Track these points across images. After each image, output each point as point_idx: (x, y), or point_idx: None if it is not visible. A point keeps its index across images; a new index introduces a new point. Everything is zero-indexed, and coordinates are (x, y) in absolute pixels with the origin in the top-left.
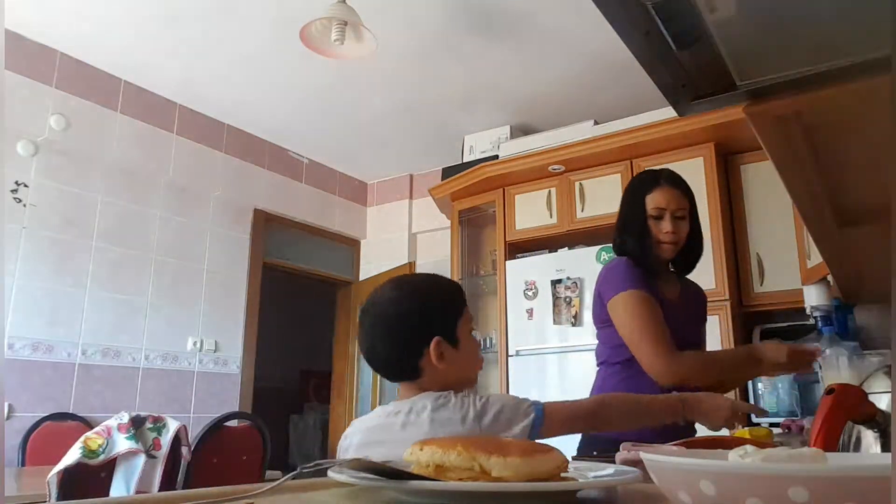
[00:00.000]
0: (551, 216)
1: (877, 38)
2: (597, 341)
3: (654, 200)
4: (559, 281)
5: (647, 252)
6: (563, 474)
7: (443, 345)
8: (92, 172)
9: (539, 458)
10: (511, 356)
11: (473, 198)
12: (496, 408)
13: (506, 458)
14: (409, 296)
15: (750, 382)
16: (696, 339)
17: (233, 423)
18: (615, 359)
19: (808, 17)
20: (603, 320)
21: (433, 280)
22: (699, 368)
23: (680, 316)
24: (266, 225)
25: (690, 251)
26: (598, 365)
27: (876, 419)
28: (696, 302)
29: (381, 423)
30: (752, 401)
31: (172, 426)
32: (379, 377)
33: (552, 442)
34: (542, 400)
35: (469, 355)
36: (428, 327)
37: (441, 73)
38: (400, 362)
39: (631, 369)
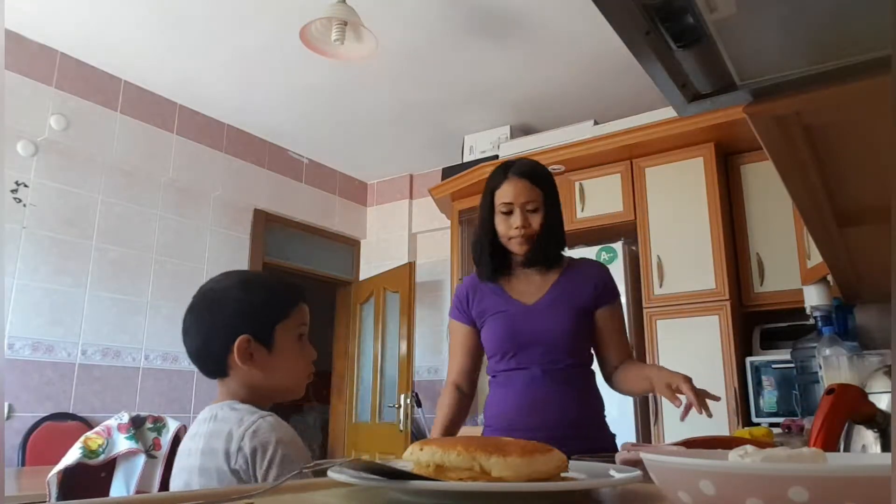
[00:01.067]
0: None
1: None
2: None
3: (502, 195)
4: None
5: (495, 252)
6: (563, 474)
7: (252, 345)
8: (92, 172)
9: (539, 458)
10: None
11: (473, 198)
12: (278, 454)
13: (506, 458)
14: (232, 286)
15: (750, 382)
16: (557, 343)
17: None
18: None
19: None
20: None
21: (266, 277)
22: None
23: (542, 314)
24: (266, 225)
25: (548, 244)
26: None
27: (876, 419)
28: (581, 288)
29: (192, 432)
30: (751, 400)
31: (172, 426)
32: (379, 377)
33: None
34: None
35: (287, 362)
36: (238, 321)
37: (441, 73)
38: (205, 353)
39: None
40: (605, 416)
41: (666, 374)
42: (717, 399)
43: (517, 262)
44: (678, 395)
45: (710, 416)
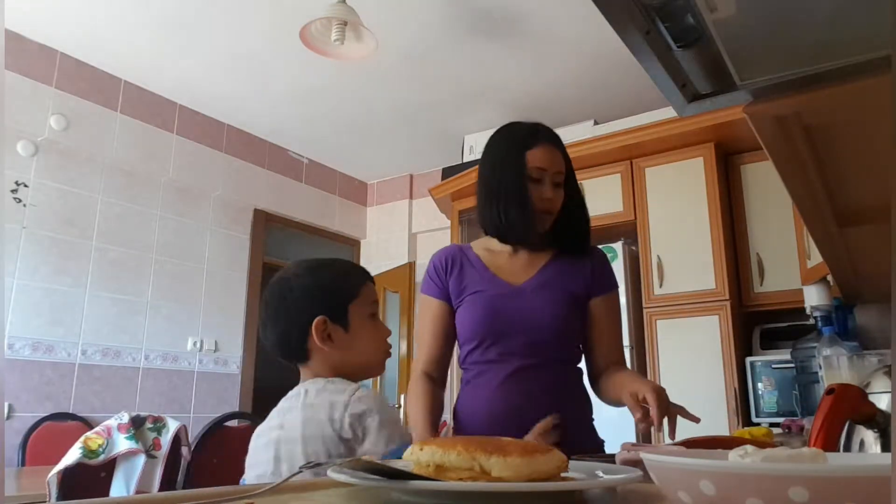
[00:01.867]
0: None
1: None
2: None
3: (535, 158)
4: None
5: (530, 225)
6: (563, 474)
7: (329, 326)
8: (92, 172)
9: (539, 458)
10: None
11: (473, 198)
12: (376, 420)
13: (506, 458)
14: (301, 273)
15: (750, 382)
16: (544, 333)
17: (233, 423)
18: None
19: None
20: None
21: (332, 260)
22: (410, 402)
23: (530, 298)
24: (266, 225)
25: (574, 224)
26: None
27: (876, 419)
28: (576, 273)
29: (283, 407)
30: (751, 400)
31: (172, 426)
32: (379, 377)
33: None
34: None
35: (364, 340)
36: (312, 305)
37: (441, 73)
38: (285, 340)
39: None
40: (593, 421)
41: (636, 383)
42: (695, 420)
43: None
44: (643, 406)
45: (697, 420)
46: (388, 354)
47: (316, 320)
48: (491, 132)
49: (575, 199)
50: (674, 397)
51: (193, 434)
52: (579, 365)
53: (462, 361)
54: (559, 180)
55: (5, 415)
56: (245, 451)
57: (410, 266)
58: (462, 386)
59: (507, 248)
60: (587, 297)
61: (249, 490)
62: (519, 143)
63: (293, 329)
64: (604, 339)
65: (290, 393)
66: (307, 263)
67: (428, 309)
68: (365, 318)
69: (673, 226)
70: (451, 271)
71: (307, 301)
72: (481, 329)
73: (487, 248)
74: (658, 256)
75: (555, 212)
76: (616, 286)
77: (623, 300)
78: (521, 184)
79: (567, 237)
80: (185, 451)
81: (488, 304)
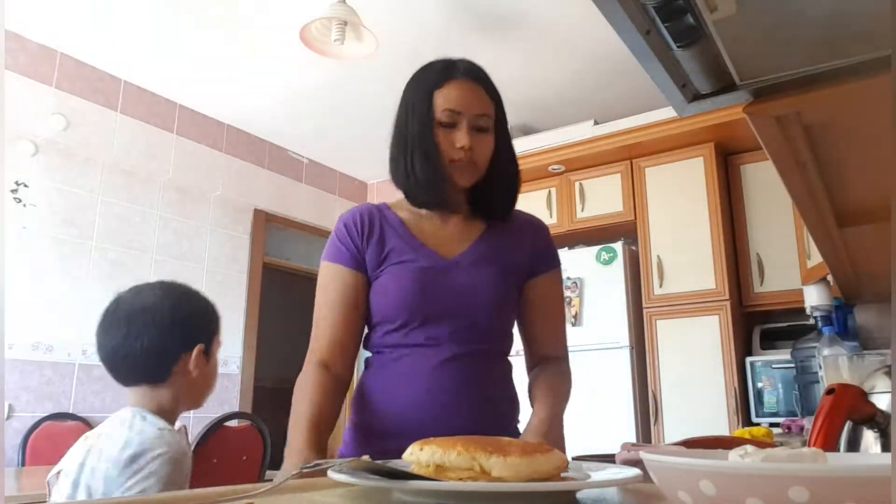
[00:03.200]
0: (551, 216)
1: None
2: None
3: (446, 99)
4: None
5: (439, 180)
6: (563, 474)
7: (202, 356)
8: (92, 172)
9: (539, 458)
10: (511, 356)
11: None
12: (153, 469)
13: (506, 458)
14: (183, 296)
15: (750, 382)
16: (479, 316)
17: (233, 423)
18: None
19: (808, 17)
20: None
21: (196, 290)
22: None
23: (465, 274)
24: (266, 225)
25: (500, 180)
26: None
27: (876, 419)
28: (515, 246)
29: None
30: (751, 400)
31: None
32: None
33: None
34: None
35: (212, 377)
36: (192, 331)
37: None
38: (156, 359)
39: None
40: (518, 424)
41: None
42: None
43: (451, 197)
44: None
45: None
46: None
47: (197, 347)
48: None
49: (504, 152)
50: (674, 397)
51: (193, 434)
52: (510, 357)
53: (374, 343)
54: (483, 125)
55: (5, 415)
56: (244, 451)
57: None
58: (371, 371)
59: (435, 213)
60: (528, 275)
61: (249, 490)
62: (427, 83)
63: (167, 348)
64: (547, 326)
65: (121, 416)
66: (180, 288)
67: (335, 280)
68: (215, 355)
69: (673, 226)
70: (368, 235)
71: (188, 327)
72: (409, 306)
73: (411, 210)
74: (658, 256)
75: (477, 163)
76: (560, 264)
77: (623, 300)
78: (428, 130)
79: (488, 197)
80: None
81: (419, 276)
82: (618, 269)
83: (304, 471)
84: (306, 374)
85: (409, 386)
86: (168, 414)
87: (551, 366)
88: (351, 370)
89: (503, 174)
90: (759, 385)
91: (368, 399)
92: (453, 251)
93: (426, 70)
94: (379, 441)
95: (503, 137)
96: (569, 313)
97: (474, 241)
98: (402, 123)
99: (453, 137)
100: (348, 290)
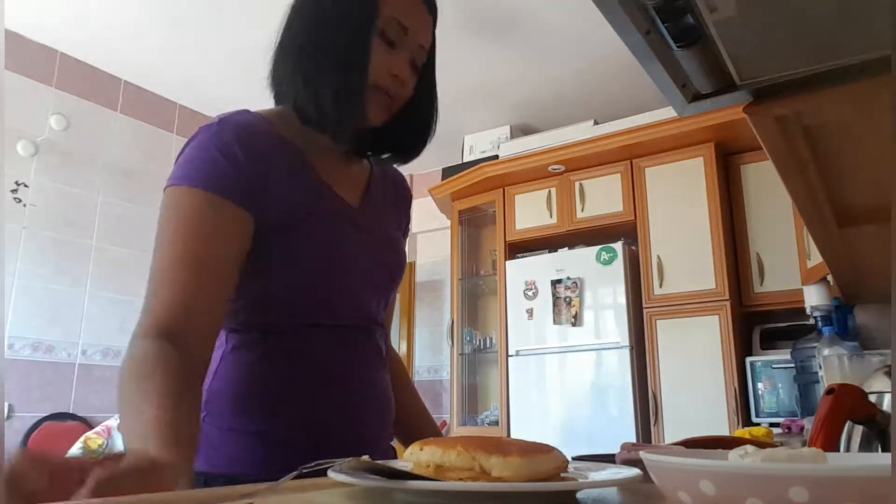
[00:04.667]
0: (551, 216)
1: (877, 38)
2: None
3: (395, 7)
4: (559, 281)
5: (362, 109)
6: (563, 474)
7: None
8: (92, 172)
9: (539, 458)
10: (511, 356)
11: (473, 198)
12: None
13: (506, 458)
14: None
15: (750, 382)
16: (385, 286)
17: None
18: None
19: (807, 17)
20: None
21: None
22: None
23: (362, 238)
24: None
25: (416, 125)
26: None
27: (876, 419)
28: (393, 198)
29: None
30: (751, 400)
31: None
32: None
33: (553, 442)
34: (544, 399)
35: None
36: None
37: (441, 73)
38: None
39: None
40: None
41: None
42: None
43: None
44: None
45: None
46: None
47: None
48: (491, 132)
49: (428, 91)
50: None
51: None
52: None
53: (265, 320)
54: (420, 58)
55: (5, 415)
56: None
57: (410, 266)
58: (259, 356)
59: (325, 137)
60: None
61: (249, 490)
62: None
63: None
64: (392, 303)
65: None
66: None
67: (209, 217)
68: None
69: (673, 226)
70: (265, 162)
71: None
72: (325, 275)
73: (303, 136)
74: (658, 256)
75: (397, 101)
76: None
77: (623, 300)
78: (365, 41)
79: (394, 141)
80: None
81: (333, 232)
82: (618, 269)
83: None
84: (143, 352)
85: (308, 381)
86: None
87: (391, 349)
88: (211, 352)
89: (424, 118)
90: (759, 385)
91: (270, 396)
92: (353, 196)
93: None
94: (307, 454)
95: (431, 76)
96: (569, 313)
97: (366, 186)
98: (317, 23)
99: (391, 61)
100: (231, 238)
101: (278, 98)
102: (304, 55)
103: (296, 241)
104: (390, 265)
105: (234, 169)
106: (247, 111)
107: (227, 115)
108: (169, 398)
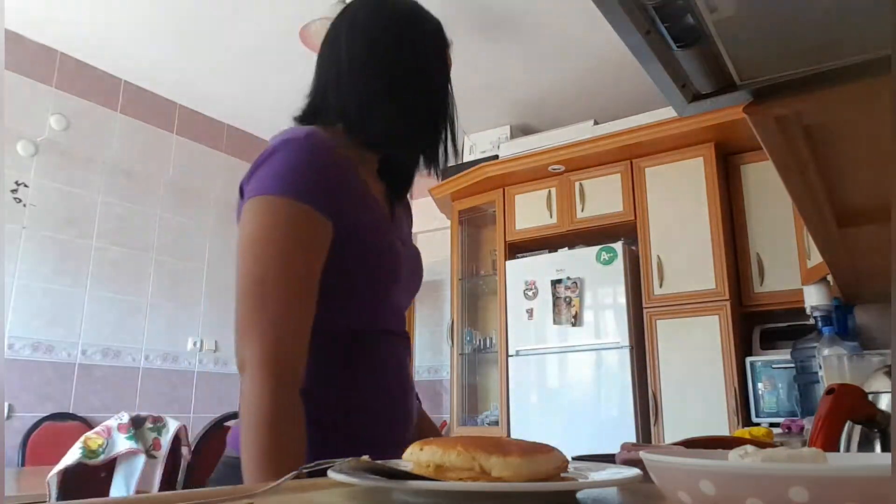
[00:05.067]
0: (551, 216)
1: (877, 38)
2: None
3: (449, 62)
4: (559, 281)
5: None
6: (563, 474)
7: None
8: (92, 172)
9: (539, 458)
10: (511, 356)
11: (473, 198)
12: None
13: (506, 458)
14: None
15: (750, 382)
16: (414, 294)
17: (233, 423)
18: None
19: (808, 17)
20: None
21: None
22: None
23: (402, 248)
24: None
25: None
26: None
27: (876, 419)
28: (406, 219)
29: None
30: (751, 400)
31: (172, 426)
32: None
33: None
34: (544, 399)
35: None
36: None
37: None
38: None
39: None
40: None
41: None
42: None
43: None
44: None
45: None
46: None
47: None
48: (491, 132)
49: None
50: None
51: (193, 434)
52: None
53: (345, 330)
54: None
55: (5, 415)
56: None
57: None
58: (337, 369)
59: (369, 153)
60: None
61: (249, 490)
62: (443, 38)
63: None
64: None
65: None
66: None
67: (300, 226)
68: None
69: (673, 226)
70: (340, 176)
71: None
72: (388, 282)
73: (346, 144)
74: (658, 256)
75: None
76: None
77: (623, 300)
78: (449, 86)
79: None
80: (185, 451)
81: (388, 243)
82: (618, 269)
83: (304, 471)
84: (290, 399)
85: (400, 381)
86: None
87: None
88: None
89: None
90: (759, 385)
91: (350, 402)
92: (387, 212)
93: (431, 20)
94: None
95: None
96: (569, 313)
97: (389, 201)
98: (418, 67)
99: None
100: (322, 249)
101: (325, 111)
102: (388, 90)
103: (364, 251)
104: (419, 274)
105: (322, 181)
106: (314, 128)
107: (303, 130)
108: (301, 458)
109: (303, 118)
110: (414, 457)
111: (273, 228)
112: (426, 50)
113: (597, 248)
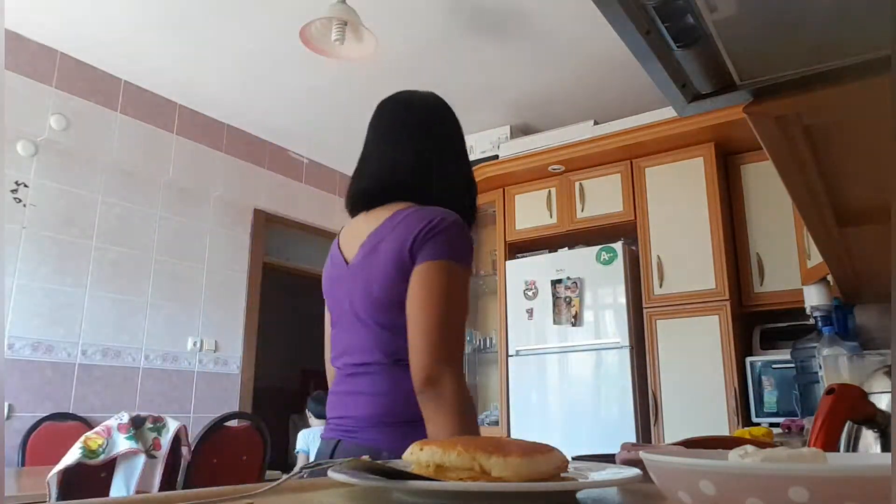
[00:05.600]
0: (551, 216)
1: (877, 38)
2: (363, 330)
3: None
4: (559, 281)
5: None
6: (563, 474)
7: None
8: (92, 172)
9: (539, 458)
10: (511, 356)
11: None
12: None
13: (506, 458)
14: None
15: (750, 382)
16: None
17: (233, 423)
18: (403, 355)
19: (808, 17)
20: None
21: None
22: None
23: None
24: (266, 225)
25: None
26: (362, 365)
27: (876, 419)
28: None
29: None
30: (751, 400)
31: (172, 426)
32: None
33: (552, 442)
34: (544, 399)
35: None
36: None
37: (441, 74)
38: None
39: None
40: None
41: None
42: None
43: None
44: None
45: None
46: None
47: None
48: (491, 132)
49: None
50: (674, 397)
51: (193, 434)
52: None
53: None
54: None
55: (5, 415)
56: (244, 451)
57: None
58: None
59: None
60: None
61: (249, 490)
62: (459, 126)
63: None
64: None
65: None
66: None
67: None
68: None
69: (673, 226)
70: None
71: None
72: None
73: None
74: (658, 256)
75: None
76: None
77: (623, 300)
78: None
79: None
80: (185, 451)
81: None
82: (618, 269)
83: (305, 471)
84: (468, 391)
85: None
86: None
87: None
88: None
89: None
90: (759, 385)
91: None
92: None
93: (452, 111)
94: None
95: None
96: (569, 313)
97: None
98: (464, 153)
99: None
100: None
101: (437, 192)
102: (458, 168)
103: None
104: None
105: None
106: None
107: (454, 214)
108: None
109: (399, 195)
110: (414, 457)
111: (464, 290)
112: (461, 139)
113: (597, 248)
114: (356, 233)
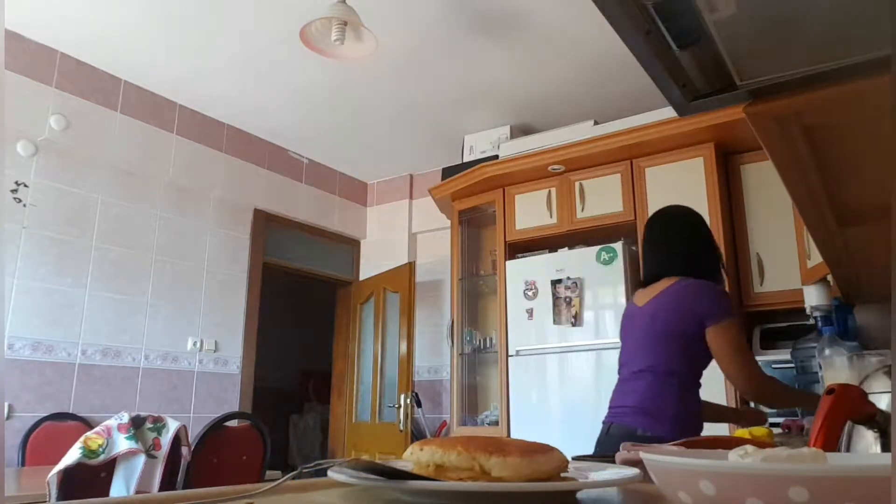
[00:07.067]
0: (551, 216)
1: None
2: (642, 350)
3: None
4: (559, 281)
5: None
6: (563, 474)
7: None
8: (92, 172)
9: (539, 458)
10: (511, 356)
11: (473, 198)
12: None
13: (506, 458)
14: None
15: None
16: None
17: (233, 423)
18: (684, 370)
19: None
20: (687, 334)
21: None
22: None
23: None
24: (266, 225)
25: None
26: (638, 372)
27: (876, 419)
28: None
29: None
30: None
31: (172, 426)
32: (379, 377)
33: (553, 442)
34: (544, 399)
35: None
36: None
37: (441, 73)
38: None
39: (689, 381)
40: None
41: None
42: None
43: None
44: None
45: None
46: None
47: None
48: (491, 132)
49: None
50: None
51: (193, 434)
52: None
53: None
54: None
55: (5, 415)
56: (244, 451)
57: (410, 266)
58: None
59: None
60: None
61: (249, 490)
62: None
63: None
64: None
65: None
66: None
67: None
68: None
69: None
70: None
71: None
72: None
73: None
74: None
75: None
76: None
77: (623, 300)
78: None
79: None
80: (185, 451)
81: None
82: (618, 269)
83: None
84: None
85: None
86: None
87: None
88: None
89: None
90: None
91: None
92: None
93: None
94: None
95: None
96: (569, 313)
97: None
98: (712, 243)
99: None
100: None
101: (694, 270)
102: (716, 255)
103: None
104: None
105: None
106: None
107: (716, 285)
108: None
109: (687, 272)
110: (414, 457)
111: (742, 333)
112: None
113: (597, 248)
114: (644, 292)
